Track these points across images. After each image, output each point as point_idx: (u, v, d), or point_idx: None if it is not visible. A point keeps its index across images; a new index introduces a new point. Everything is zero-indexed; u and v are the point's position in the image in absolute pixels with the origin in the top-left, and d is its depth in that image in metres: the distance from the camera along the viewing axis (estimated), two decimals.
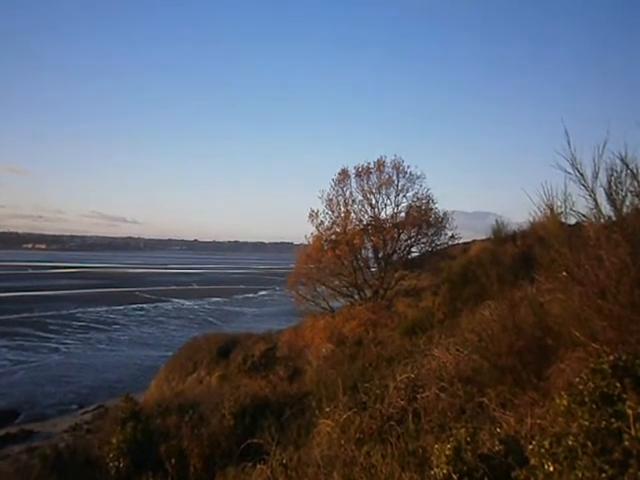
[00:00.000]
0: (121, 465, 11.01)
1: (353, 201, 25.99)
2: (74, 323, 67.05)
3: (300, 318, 28.35)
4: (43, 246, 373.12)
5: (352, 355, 16.45)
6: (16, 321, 66.76)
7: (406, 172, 25.79)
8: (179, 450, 10.95)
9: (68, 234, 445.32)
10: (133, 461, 11.00)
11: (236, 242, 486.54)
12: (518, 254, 20.98)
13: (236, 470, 8.98)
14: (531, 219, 8.59)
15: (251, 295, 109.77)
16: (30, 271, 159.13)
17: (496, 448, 4.91)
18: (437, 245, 26.65)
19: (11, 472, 12.22)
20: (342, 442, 7.44)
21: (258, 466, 8.21)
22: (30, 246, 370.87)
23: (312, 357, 19.85)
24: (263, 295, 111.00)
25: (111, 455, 11.22)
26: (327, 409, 8.79)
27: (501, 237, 25.17)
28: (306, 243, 27.15)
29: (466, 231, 32.06)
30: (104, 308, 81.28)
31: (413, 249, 26.89)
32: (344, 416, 8.06)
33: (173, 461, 10.46)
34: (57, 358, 48.31)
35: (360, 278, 25.87)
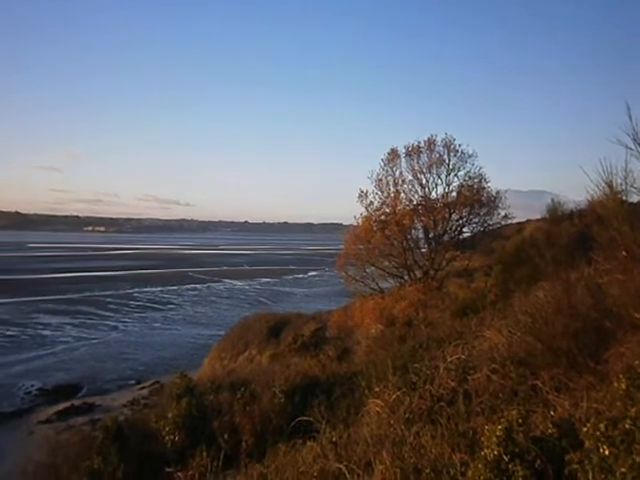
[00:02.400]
0: (176, 438, 11.41)
1: (403, 181, 25.62)
2: (131, 302, 69.67)
3: (349, 299, 28.39)
4: (102, 228, 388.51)
5: (402, 336, 16.38)
6: (78, 300, 70.00)
7: (457, 151, 25.20)
8: (231, 426, 11.24)
9: (125, 217, 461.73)
10: (188, 435, 11.38)
11: (285, 223, 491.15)
12: (575, 234, 20.26)
13: (287, 446, 9.14)
14: (589, 197, 8.26)
15: (301, 276, 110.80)
16: (90, 253, 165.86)
17: (549, 431, 4.80)
18: (489, 225, 26.02)
19: (76, 442, 12.90)
20: (391, 422, 7.44)
21: (308, 443, 8.34)
22: (90, 228, 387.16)
23: (361, 337, 19.90)
24: (313, 276, 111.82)
25: (167, 429, 11.65)
26: (376, 389, 8.80)
27: (557, 216, 24.34)
28: (355, 224, 27.01)
29: (520, 210, 31.21)
30: (159, 288, 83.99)
31: (464, 229, 26.36)
32: (393, 396, 8.05)
33: (226, 436, 10.74)
34: (116, 336, 50.41)
35: (410, 259, 25.59)
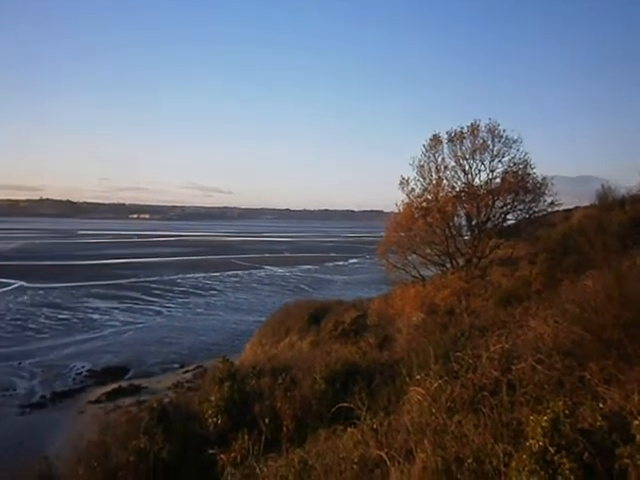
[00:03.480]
0: (219, 421, 11.63)
1: (445, 167, 25.15)
2: (175, 288, 71.34)
3: (390, 286, 28.24)
4: (147, 216, 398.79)
5: (443, 324, 16.17)
6: (125, 285, 72.18)
7: (502, 136, 24.53)
8: (272, 410, 11.37)
9: (169, 205, 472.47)
10: (230, 418, 11.58)
11: (326, 210, 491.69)
12: (626, 220, 19.53)
13: (327, 432, 9.19)
14: None
15: (341, 263, 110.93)
16: (136, 239, 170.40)
17: (598, 424, 4.65)
18: (535, 212, 25.29)
19: (123, 421, 13.30)
20: (433, 410, 7.38)
21: (349, 429, 8.36)
22: (135, 216, 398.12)
23: (402, 325, 19.73)
24: (353, 263, 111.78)
25: (210, 412, 11.89)
26: (418, 377, 8.73)
27: (607, 203, 23.49)
28: (396, 211, 26.75)
29: (568, 197, 30.25)
30: (202, 274, 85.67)
31: (509, 216, 25.72)
32: (435, 384, 7.97)
33: (267, 420, 10.87)
34: (160, 320, 51.80)
35: (452, 246, 25.19)
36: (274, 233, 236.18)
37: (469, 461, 5.71)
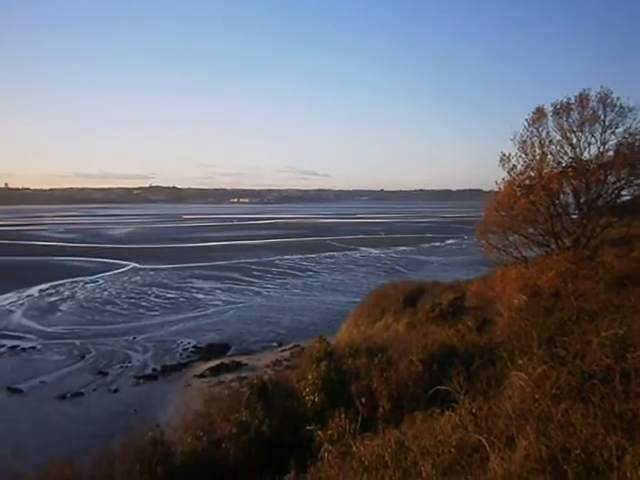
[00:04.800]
0: (316, 399, 11.90)
1: (550, 142, 23.62)
2: (273, 269, 73.56)
3: (489, 268, 27.28)
4: (246, 200, 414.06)
5: (548, 308, 15.35)
6: (226, 267, 75.54)
7: (615, 105, 22.58)
8: (369, 390, 11.43)
9: (266, 188, 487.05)
10: (327, 396, 11.80)
11: (421, 190, 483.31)
12: None
13: (424, 415, 9.08)
14: None
15: (438, 244, 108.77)
16: (236, 223, 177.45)
17: None
18: None
19: (226, 395, 14.05)
20: (536, 397, 7.04)
21: (446, 413, 8.21)
22: (235, 200, 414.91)
23: (503, 308, 18.99)
24: (450, 244, 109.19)
25: (307, 389, 12.18)
26: (520, 361, 8.37)
27: None
28: (496, 189, 25.62)
29: None
30: (298, 256, 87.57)
31: (623, 192, 23.77)
32: (539, 370, 7.59)
33: (363, 400, 10.95)
34: (259, 300, 53.72)
35: (558, 226, 23.75)
36: (369, 214, 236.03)
37: (576, 452, 5.38)
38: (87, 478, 10.28)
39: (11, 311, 48.18)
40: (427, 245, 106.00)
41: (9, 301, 52.39)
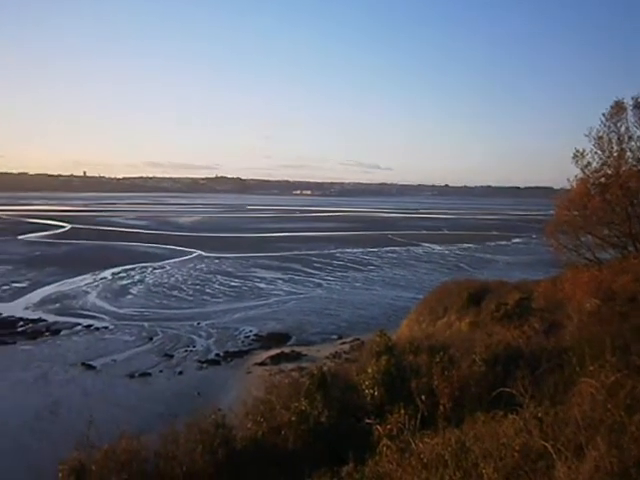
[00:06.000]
0: (375, 393, 11.90)
1: (630, 138, 22.41)
2: (334, 262, 73.84)
3: (558, 269, 26.25)
4: (308, 192, 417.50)
5: (623, 313, 14.65)
6: (288, 257, 76.57)
7: None
8: (429, 388, 11.31)
9: (329, 181, 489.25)
10: (386, 391, 11.78)
11: (488, 187, 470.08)
12: None
13: (486, 416, 8.88)
14: None
15: (504, 242, 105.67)
16: (298, 214, 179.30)
17: None
18: None
19: (286, 384, 14.27)
20: (608, 406, 6.74)
21: (510, 416, 8.00)
22: (298, 192, 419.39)
23: (573, 312, 18.26)
24: (517, 243, 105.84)
25: (366, 383, 12.20)
26: (591, 368, 8.04)
27: None
28: (568, 187, 24.59)
29: None
30: (360, 249, 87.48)
31: None
32: (612, 378, 7.27)
33: (423, 397, 10.85)
34: (320, 292, 54.11)
35: (636, 227, 22.54)
36: (432, 210, 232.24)
37: None
38: (152, 453, 10.73)
39: (87, 292, 50.92)
40: (493, 243, 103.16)
41: (85, 282, 55.43)
